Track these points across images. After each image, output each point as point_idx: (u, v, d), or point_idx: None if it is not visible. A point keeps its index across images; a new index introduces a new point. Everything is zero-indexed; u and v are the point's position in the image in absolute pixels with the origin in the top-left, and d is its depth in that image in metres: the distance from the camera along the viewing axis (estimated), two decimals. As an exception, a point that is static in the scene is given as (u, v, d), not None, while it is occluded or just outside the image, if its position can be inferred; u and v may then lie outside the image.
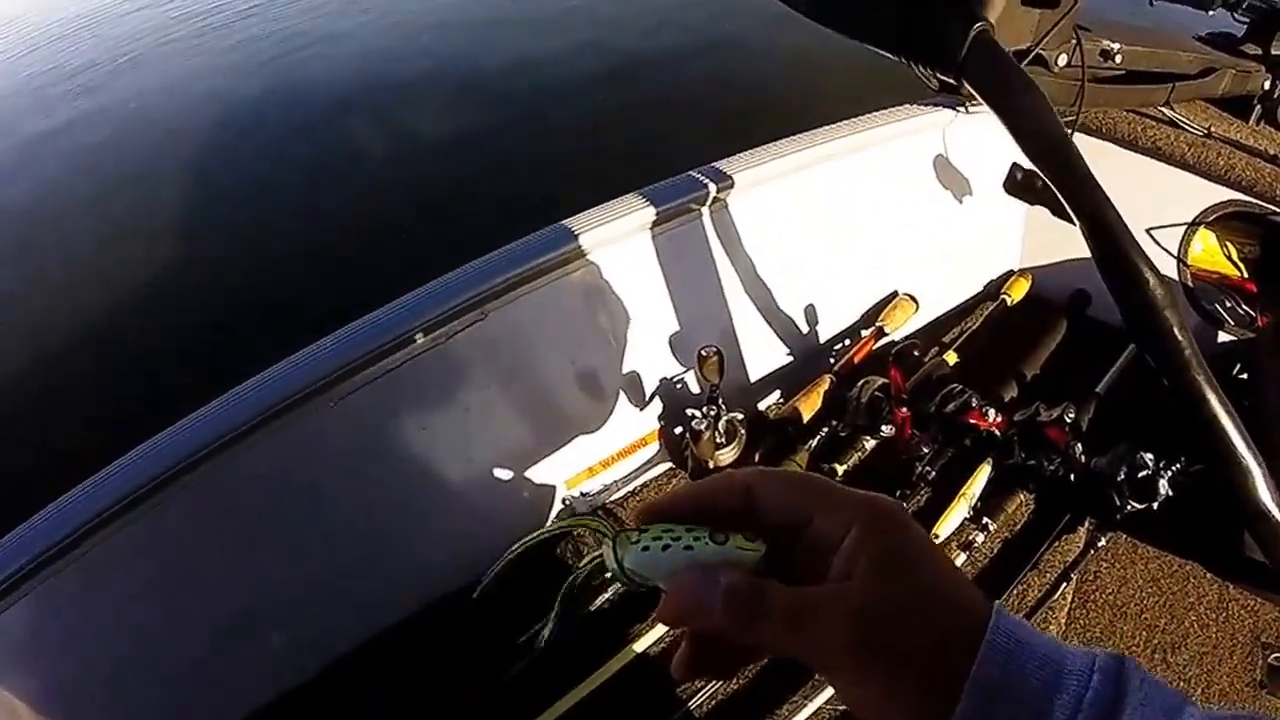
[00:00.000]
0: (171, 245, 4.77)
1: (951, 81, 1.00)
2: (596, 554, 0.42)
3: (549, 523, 1.83)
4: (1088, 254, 2.19)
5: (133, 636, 1.50)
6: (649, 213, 1.69)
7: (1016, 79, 0.96)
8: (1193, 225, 1.96)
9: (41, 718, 1.43)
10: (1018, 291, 2.16)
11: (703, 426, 1.75)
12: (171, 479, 1.37)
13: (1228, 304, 2.07)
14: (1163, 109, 1.94)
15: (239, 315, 4.01)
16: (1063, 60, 1.31)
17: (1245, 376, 1.88)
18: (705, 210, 1.77)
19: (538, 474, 1.82)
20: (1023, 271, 2.22)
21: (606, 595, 1.67)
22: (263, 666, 1.64)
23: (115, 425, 2.73)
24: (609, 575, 0.41)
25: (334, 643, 1.69)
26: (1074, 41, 1.30)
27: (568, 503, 1.84)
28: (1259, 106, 2.21)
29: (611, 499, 1.85)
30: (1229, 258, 2.17)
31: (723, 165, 1.80)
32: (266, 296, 4.13)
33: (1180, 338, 1.02)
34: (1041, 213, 1.95)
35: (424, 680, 1.63)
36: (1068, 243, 2.13)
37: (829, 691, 1.47)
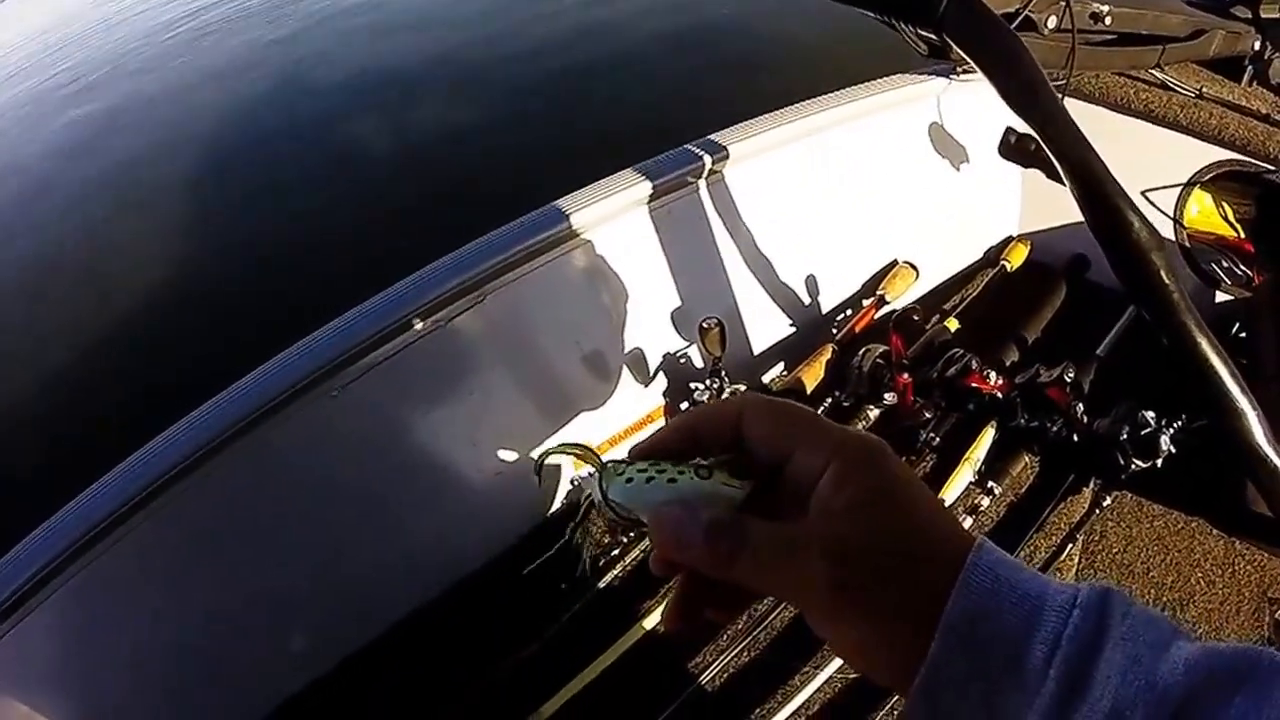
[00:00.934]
0: (169, 244, 4.82)
1: (934, 38, 1.01)
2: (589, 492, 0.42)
3: (557, 505, 1.85)
4: (1086, 216, 2.19)
5: (149, 633, 1.51)
6: (645, 187, 1.70)
7: (995, 28, 0.96)
8: (1188, 186, 1.96)
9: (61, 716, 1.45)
10: (1017, 257, 2.16)
11: (705, 399, 1.76)
12: (180, 475, 1.39)
13: (1225, 264, 2.07)
14: (1154, 71, 1.94)
15: (239, 309, 4.04)
16: (1052, 23, 1.31)
17: (1244, 335, 1.89)
18: (702, 183, 1.78)
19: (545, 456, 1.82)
20: (1021, 237, 2.23)
21: (615, 572, 1.68)
22: (281, 659, 1.65)
23: (120, 423, 2.74)
24: (595, 503, 0.42)
25: (350, 631, 1.70)
26: (1063, 3, 1.29)
27: (576, 483, 1.84)
28: (1250, 67, 2.21)
29: (619, 478, 1.85)
30: (1225, 218, 2.17)
31: (718, 137, 1.80)
32: (266, 290, 4.17)
33: (1168, 280, 1.03)
34: (1038, 178, 1.96)
35: (441, 665, 1.64)
36: (1065, 207, 2.12)
37: (837, 661, 1.48)
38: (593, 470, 0.42)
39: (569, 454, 0.46)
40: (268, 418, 1.44)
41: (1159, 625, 0.34)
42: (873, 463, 0.38)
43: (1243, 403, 1.07)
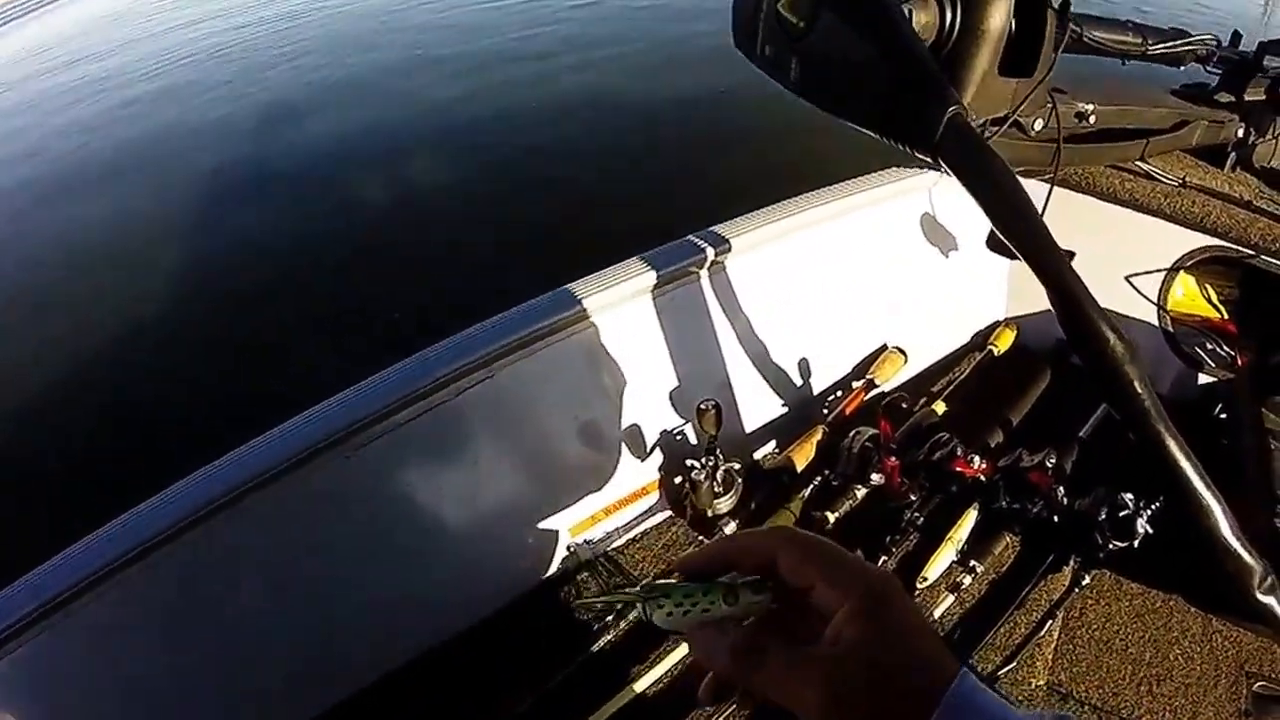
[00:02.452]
0: (185, 303, 4.88)
1: (928, 160, 1.07)
2: (632, 609, 0.52)
3: (552, 569, 1.90)
4: (1071, 304, 2.24)
5: (152, 680, 1.56)
6: (649, 276, 1.77)
7: (987, 159, 1.01)
8: (1172, 271, 2.01)
9: None
10: (1004, 342, 2.22)
11: (701, 476, 1.82)
12: (193, 525, 1.44)
13: (1208, 346, 2.11)
14: (1139, 163, 2.01)
15: (259, 368, 4.13)
16: (1039, 125, 1.36)
17: (1225, 416, 1.93)
18: (703, 273, 1.85)
19: (543, 522, 1.89)
20: (1008, 322, 2.29)
21: (608, 637, 1.73)
22: (270, 713, 1.70)
23: (135, 471, 2.80)
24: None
25: (344, 683, 1.74)
26: (1049, 105, 1.34)
27: (572, 549, 1.90)
28: (1233, 154, 2.27)
29: (613, 546, 1.91)
30: (1209, 300, 2.22)
31: (720, 229, 1.88)
32: (288, 351, 4.26)
33: (1140, 391, 1.07)
34: (1024, 266, 2.03)
35: None
36: (1050, 294, 2.20)
37: None
38: (639, 600, 0.51)
39: (613, 602, 0.59)
40: (284, 475, 1.50)
41: None
42: (882, 604, 0.46)
43: (1208, 498, 1.12)
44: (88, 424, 4.02)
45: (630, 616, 0.47)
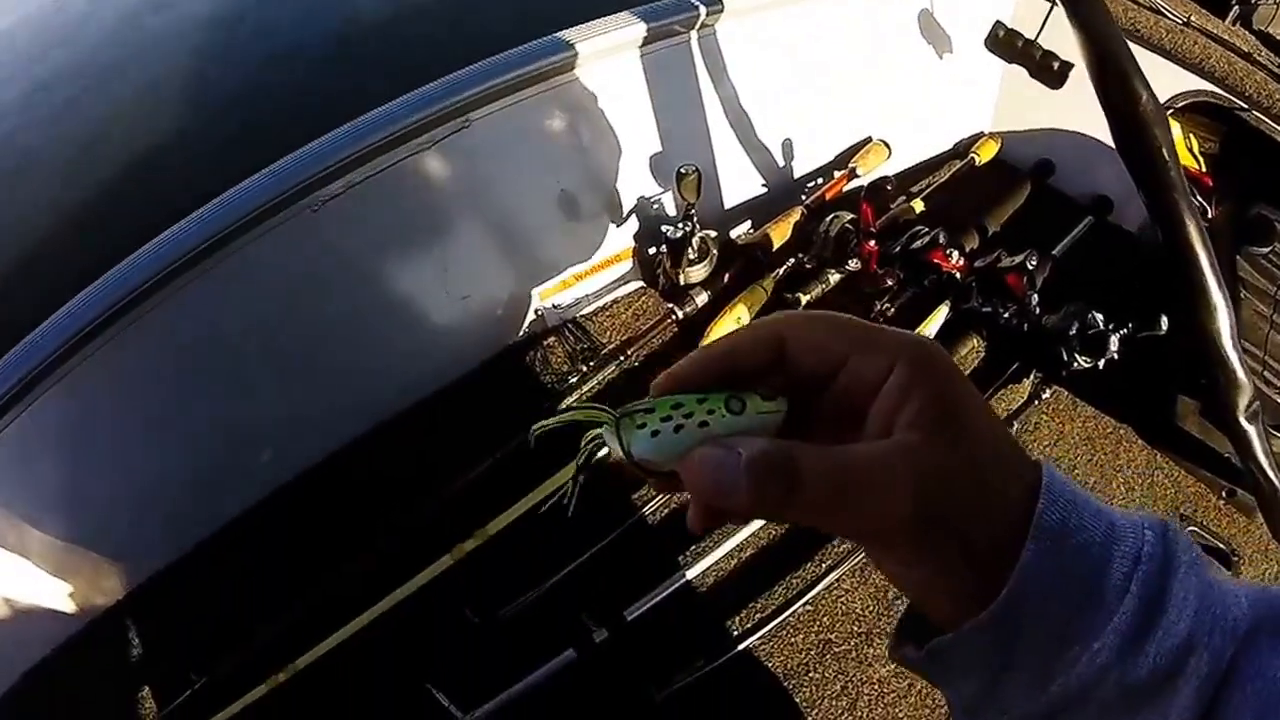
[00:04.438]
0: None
1: None
2: (594, 434, 0.35)
3: (521, 332, 1.87)
4: (1056, 124, 2.24)
5: (125, 441, 1.55)
6: (637, 29, 1.68)
7: None
8: None
9: (45, 521, 1.51)
10: (986, 153, 2.20)
11: (677, 236, 1.78)
12: (160, 285, 1.39)
13: (1186, 193, 2.13)
14: None
15: (228, 128, 4.05)
16: None
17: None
18: (693, 34, 1.77)
19: (512, 284, 1.85)
20: (992, 134, 2.26)
21: (570, 400, 1.72)
22: (249, 467, 1.70)
23: (106, 235, 2.73)
24: (613, 459, 0.35)
25: (314, 443, 1.75)
26: None
27: (540, 313, 1.86)
28: (1236, 7, 2.27)
29: (582, 313, 1.88)
30: (1190, 150, 2.23)
31: None
32: (256, 103, 4.19)
33: (1167, 158, 1.05)
34: (1017, 78, 2.01)
35: (398, 479, 1.68)
36: (1039, 110, 2.18)
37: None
38: (604, 420, 0.35)
39: (576, 419, 0.35)
40: (248, 229, 1.44)
41: (1204, 558, 0.33)
42: (936, 369, 0.34)
43: (1218, 298, 1.11)
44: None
45: (599, 455, 0.33)
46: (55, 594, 1.55)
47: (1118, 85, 1.02)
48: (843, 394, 0.35)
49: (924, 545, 0.32)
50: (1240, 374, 1.18)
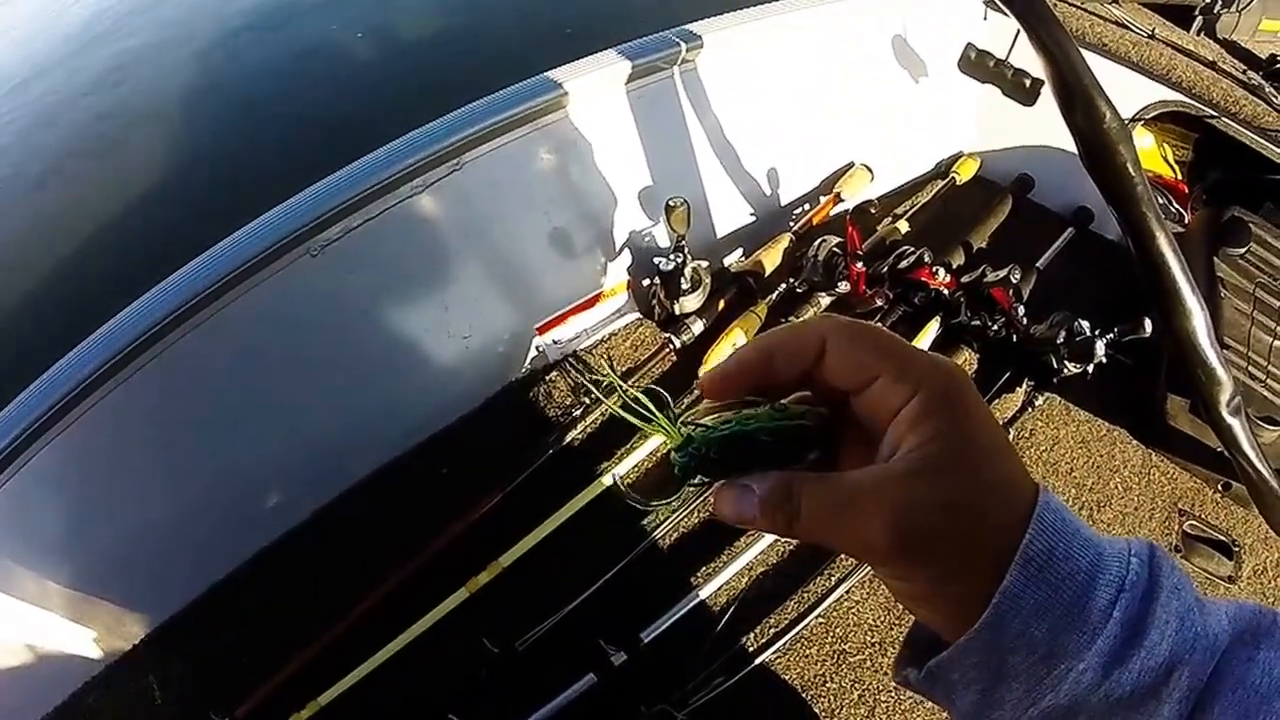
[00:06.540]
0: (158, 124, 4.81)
1: None
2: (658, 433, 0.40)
3: (523, 370, 1.90)
4: (1034, 140, 2.30)
5: (130, 489, 1.57)
6: (623, 68, 1.73)
7: None
8: (1133, 121, 2.04)
9: (58, 566, 1.52)
10: (966, 171, 2.26)
11: (669, 268, 1.82)
12: (161, 334, 1.42)
13: (1160, 202, 2.18)
14: (1111, 8, 2.05)
15: (225, 175, 4.10)
16: None
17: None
18: (676, 70, 1.82)
19: (512, 322, 1.88)
20: (972, 154, 2.32)
21: (575, 432, 1.74)
22: (258, 510, 1.71)
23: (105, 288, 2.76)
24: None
25: (323, 483, 1.76)
26: None
27: (540, 349, 1.89)
28: (1200, 18, 2.35)
29: (581, 346, 1.91)
30: (1165, 159, 2.30)
31: (694, 27, 1.84)
32: (254, 157, 4.23)
33: (1133, 173, 1.08)
34: (992, 96, 2.07)
35: (409, 516, 1.70)
36: (1015, 128, 2.24)
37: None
38: (668, 433, 0.40)
39: (636, 420, 0.40)
40: (249, 275, 1.46)
41: (1187, 583, 0.36)
42: (952, 400, 0.36)
43: (1191, 301, 1.14)
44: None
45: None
46: (74, 637, 1.56)
47: (1081, 107, 1.06)
48: (866, 408, 0.37)
49: (908, 567, 0.35)
50: (1219, 371, 1.21)
